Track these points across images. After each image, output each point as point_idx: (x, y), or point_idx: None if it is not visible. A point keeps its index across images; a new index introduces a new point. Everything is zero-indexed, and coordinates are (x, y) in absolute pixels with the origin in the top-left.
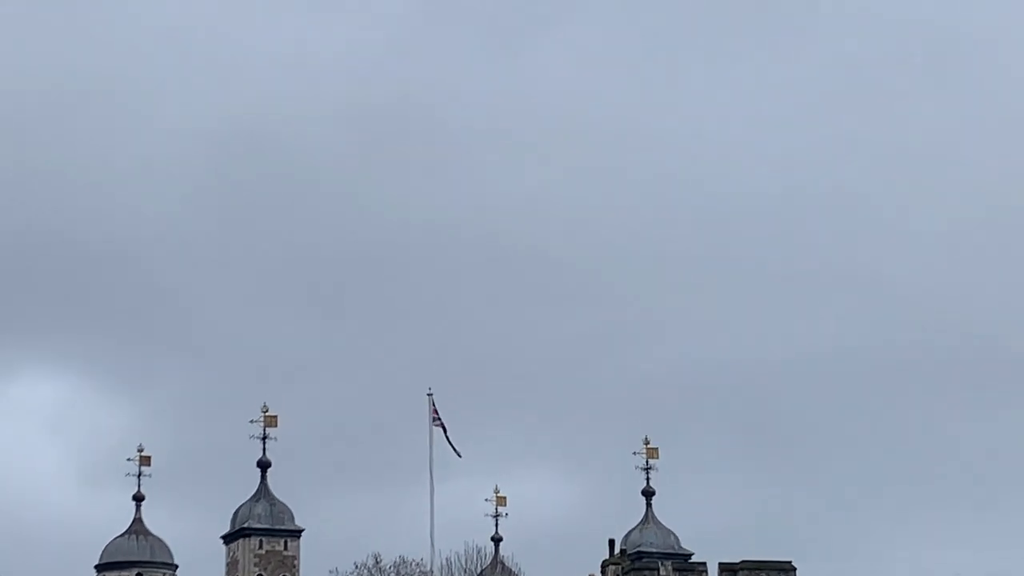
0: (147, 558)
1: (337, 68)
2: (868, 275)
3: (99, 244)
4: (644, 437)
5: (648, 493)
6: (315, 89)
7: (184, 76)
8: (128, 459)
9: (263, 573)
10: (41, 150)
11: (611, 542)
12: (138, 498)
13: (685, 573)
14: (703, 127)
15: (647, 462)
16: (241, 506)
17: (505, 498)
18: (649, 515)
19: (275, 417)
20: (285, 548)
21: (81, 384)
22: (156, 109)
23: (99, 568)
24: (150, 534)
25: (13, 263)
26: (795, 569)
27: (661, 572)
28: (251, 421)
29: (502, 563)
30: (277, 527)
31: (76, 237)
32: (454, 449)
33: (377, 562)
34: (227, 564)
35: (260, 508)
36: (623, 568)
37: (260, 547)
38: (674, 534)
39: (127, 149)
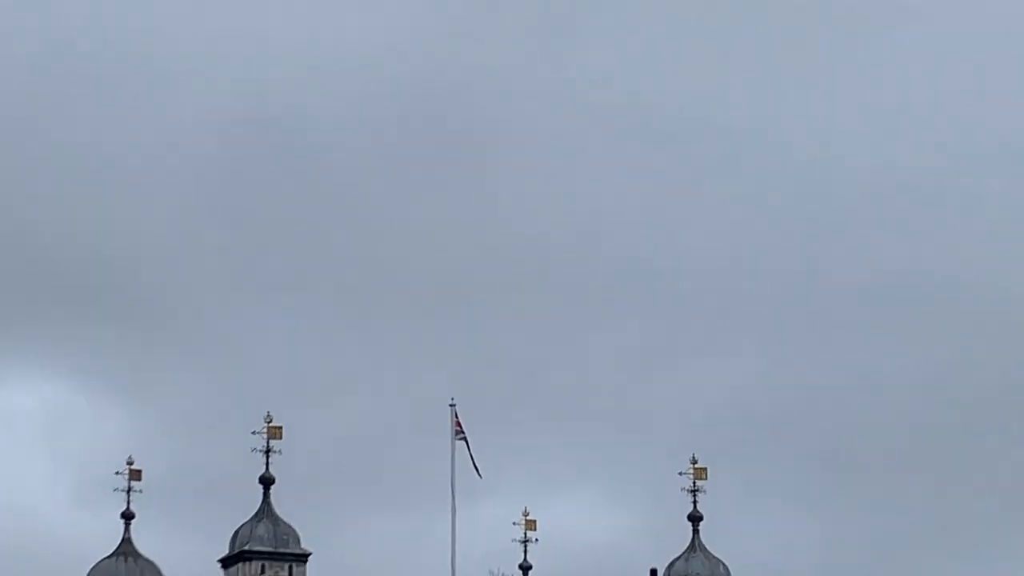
0: None
1: (362, 53)
2: (952, 286)
3: (94, 239)
4: (691, 456)
5: (695, 518)
6: (336, 76)
7: (189, 60)
8: (116, 473)
9: None
10: (31, 136)
11: (653, 572)
12: (127, 516)
13: None
14: (775, 119)
15: (694, 483)
16: (241, 527)
17: (535, 522)
18: (696, 542)
19: (280, 428)
20: (290, 574)
21: (73, 390)
22: (160, 96)
23: None
24: (140, 556)
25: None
26: None
27: None
28: (253, 432)
29: None
30: (281, 550)
31: (69, 232)
32: (475, 468)
33: None
34: None
35: (262, 529)
36: None
37: (262, 572)
38: (724, 564)
39: (126, 137)
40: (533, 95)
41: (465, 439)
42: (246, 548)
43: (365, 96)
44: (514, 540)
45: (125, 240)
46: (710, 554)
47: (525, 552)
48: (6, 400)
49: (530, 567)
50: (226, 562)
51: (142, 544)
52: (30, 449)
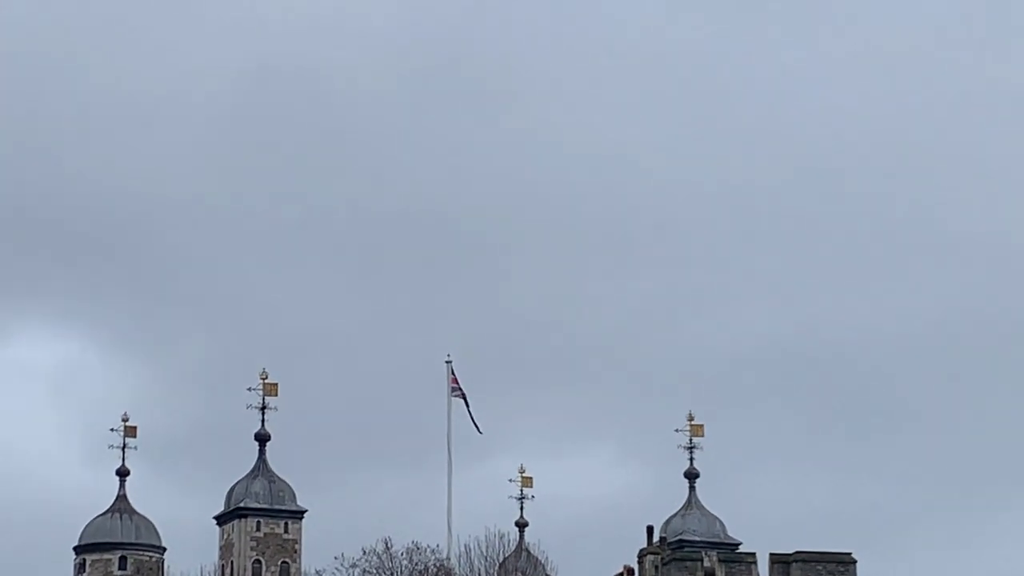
0: (131, 539)
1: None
2: (944, 239)
3: (103, 202)
4: (688, 413)
5: (691, 475)
6: (349, 27)
7: (202, 13)
8: (111, 429)
9: (260, 558)
10: (44, 90)
11: (650, 529)
12: (122, 473)
13: (732, 565)
14: (789, 73)
15: (691, 440)
16: (237, 483)
17: (531, 479)
18: (692, 500)
19: (275, 385)
20: (285, 531)
21: (82, 347)
22: (168, 48)
23: (78, 550)
24: (135, 513)
25: (10, 219)
26: (855, 562)
27: (705, 563)
28: (249, 389)
29: (527, 551)
30: (276, 507)
31: (79, 195)
32: (474, 424)
33: (388, 548)
34: (220, 547)
35: (258, 486)
36: (663, 558)
37: (257, 529)
38: (720, 521)
39: (136, 91)
40: (546, 46)
41: (463, 396)
42: (241, 505)
43: (376, 46)
44: (510, 497)
45: (131, 203)
46: (707, 511)
47: (522, 509)
48: (17, 356)
49: (526, 524)
50: (221, 519)
51: (137, 501)
52: (35, 405)
